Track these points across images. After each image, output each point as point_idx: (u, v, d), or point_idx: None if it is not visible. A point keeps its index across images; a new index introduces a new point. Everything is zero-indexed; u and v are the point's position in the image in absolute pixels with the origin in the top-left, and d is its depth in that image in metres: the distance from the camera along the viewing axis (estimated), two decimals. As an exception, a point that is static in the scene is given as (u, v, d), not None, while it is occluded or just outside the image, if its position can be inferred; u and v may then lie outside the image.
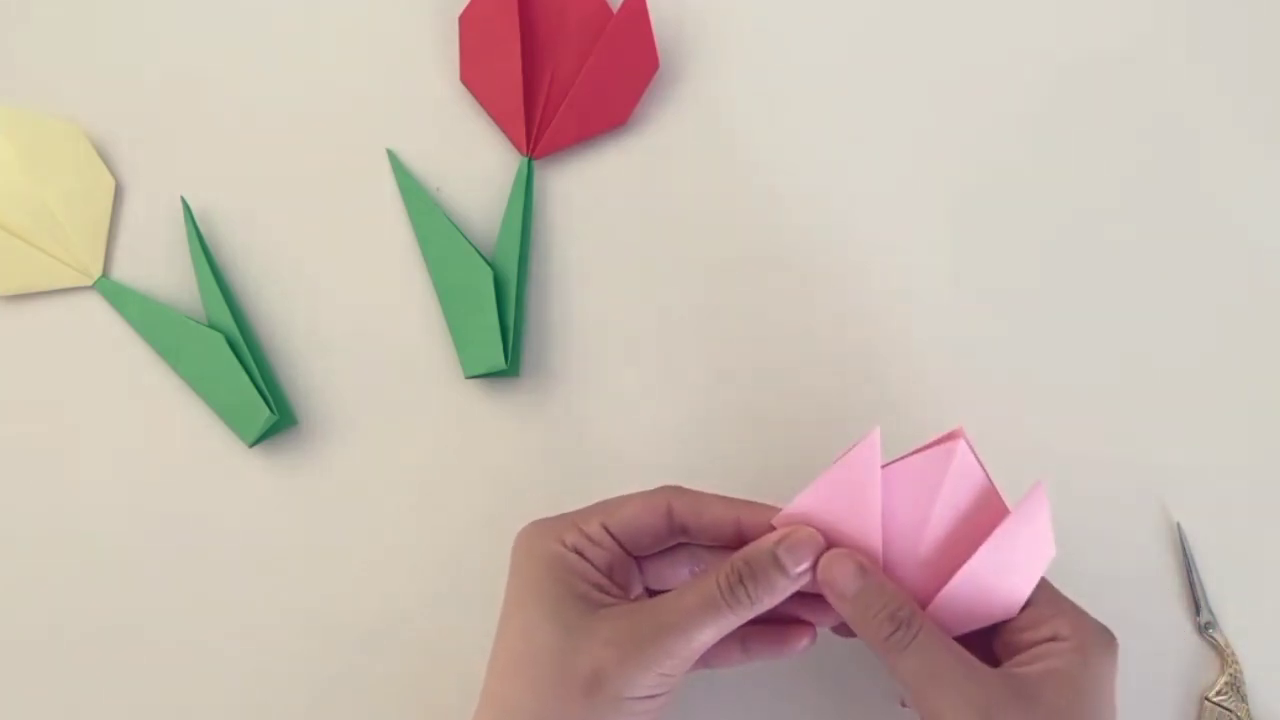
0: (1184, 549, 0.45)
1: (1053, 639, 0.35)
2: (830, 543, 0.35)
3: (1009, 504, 0.36)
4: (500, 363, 0.44)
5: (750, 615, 0.35)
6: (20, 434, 0.45)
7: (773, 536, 0.35)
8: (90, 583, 0.44)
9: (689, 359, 0.47)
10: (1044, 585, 0.36)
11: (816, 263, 0.47)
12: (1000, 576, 0.35)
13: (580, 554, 0.36)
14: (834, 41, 0.50)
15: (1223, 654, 0.44)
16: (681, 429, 0.46)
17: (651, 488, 0.38)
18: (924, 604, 0.35)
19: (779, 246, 0.48)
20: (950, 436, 0.36)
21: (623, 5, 0.47)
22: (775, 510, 0.36)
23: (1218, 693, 0.44)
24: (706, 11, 0.50)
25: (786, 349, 0.47)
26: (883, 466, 0.35)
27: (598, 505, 0.38)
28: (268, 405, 0.44)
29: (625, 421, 0.46)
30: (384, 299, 0.47)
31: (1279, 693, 0.44)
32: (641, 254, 0.47)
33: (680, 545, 0.39)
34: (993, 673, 0.34)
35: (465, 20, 0.48)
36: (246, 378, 0.44)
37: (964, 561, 0.34)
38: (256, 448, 0.45)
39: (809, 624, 0.38)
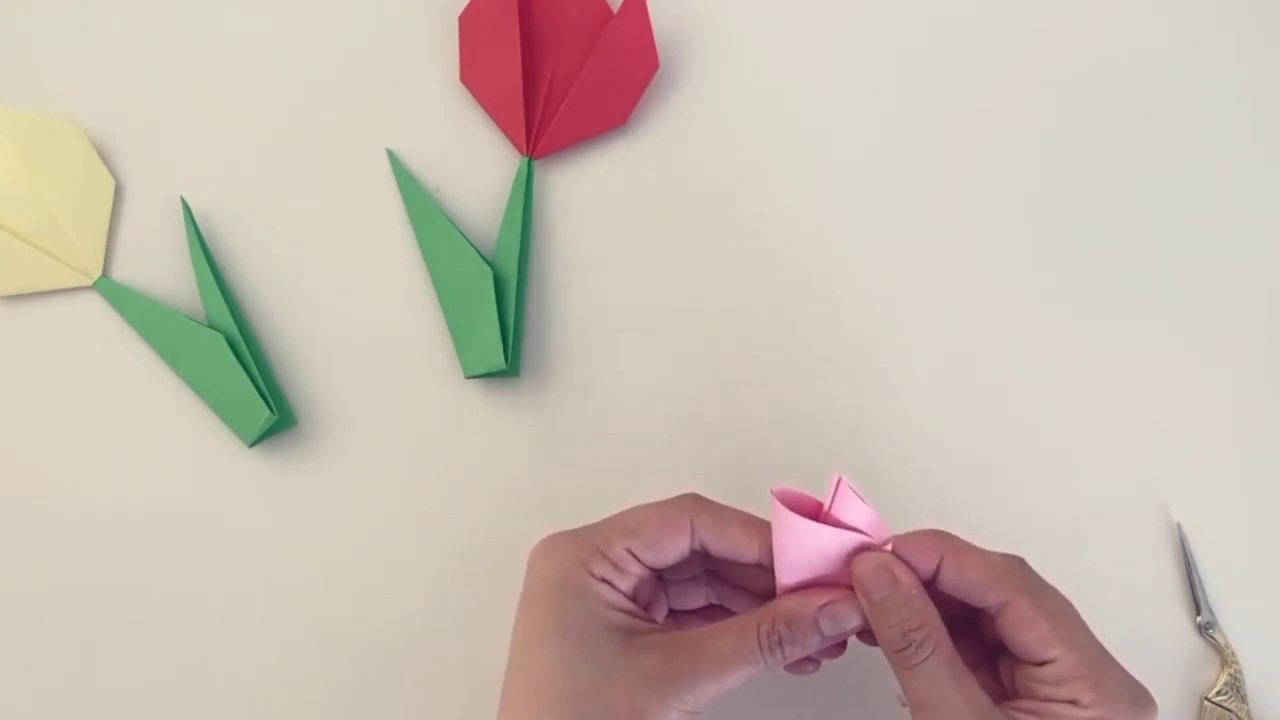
0: (1184, 549, 0.45)
1: (1072, 702, 0.33)
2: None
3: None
4: (500, 363, 0.44)
5: (779, 666, 0.35)
6: (19, 434, 0.45)
7: (818, 600, 0.35)
8: (89, 583, 0.44)
9: (689, 359, 0.46)
10: (1079, 636, 0.34)
11: (817, 262, 0.47)
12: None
13: (610, 584, 0.36)
14: (834, 41, 0.50)
15: (1223, 654, 0.44)
16: (682, 428, 0.46)
17: (670, 497, 0.37)
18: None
19: (779, 246, 0.48)
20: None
21: (623, 5, 0.47)
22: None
23: (1218, 693, 0.44)
24: (706, 12, 0.50)
25: (787, 348, 0.47)
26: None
27: (617, 523, 0.37)
28: (268, 405, 0.44)
29: (625, 421, 0.46)
30: (384, 299, 0.47)
31: (1279, 692, 0.44)
32: (641, 254, 0.47)
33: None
34: (995, 713, 0.33)
35: (465, 20, 0.48)
36: (246, 378, 0.44)
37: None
38: (256, 448, 0.45)
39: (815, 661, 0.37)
